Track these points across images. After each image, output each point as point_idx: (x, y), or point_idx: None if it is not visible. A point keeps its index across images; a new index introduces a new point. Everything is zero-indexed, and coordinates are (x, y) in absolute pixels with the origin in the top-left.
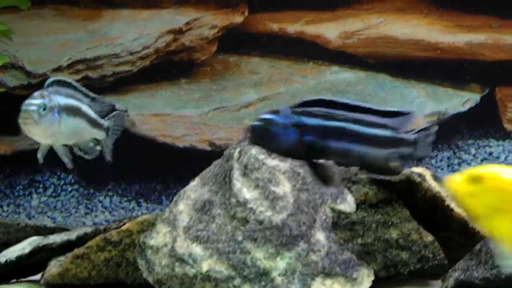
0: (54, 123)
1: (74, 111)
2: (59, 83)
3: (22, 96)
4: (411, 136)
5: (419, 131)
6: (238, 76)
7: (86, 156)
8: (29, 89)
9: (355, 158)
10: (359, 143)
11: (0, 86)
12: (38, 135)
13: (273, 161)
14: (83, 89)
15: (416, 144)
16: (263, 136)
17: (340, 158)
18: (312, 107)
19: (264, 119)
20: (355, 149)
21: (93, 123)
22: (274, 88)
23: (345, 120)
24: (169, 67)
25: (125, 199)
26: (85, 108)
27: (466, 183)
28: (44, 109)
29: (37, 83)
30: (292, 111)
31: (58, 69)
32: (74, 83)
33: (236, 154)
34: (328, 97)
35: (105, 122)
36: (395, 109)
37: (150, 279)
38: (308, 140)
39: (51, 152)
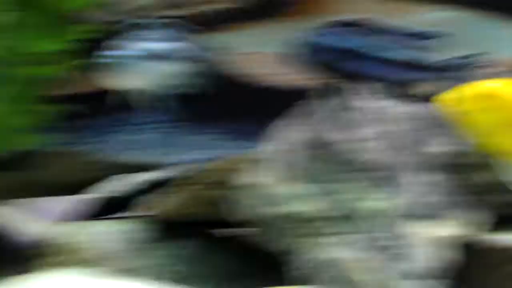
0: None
1: None
2: None
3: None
4: None
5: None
6: None
7: None
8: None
9: None
10: None
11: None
12: None
13: (359, 103)
14: None
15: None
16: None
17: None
18: None
19: None
20: None
21: None
22: None
23: None
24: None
25: (218, 137)
26: None
27: (475, 100)
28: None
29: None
30: None
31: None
32: None
33: (321, 95)
34: None
35: None
36: None
37: (241, 218)
38: None
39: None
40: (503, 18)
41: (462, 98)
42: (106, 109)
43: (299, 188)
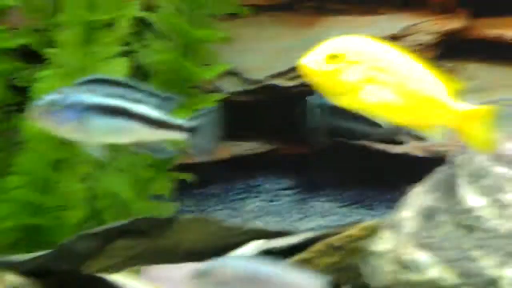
0: (70, 121)
1: (112, 111)
2: (95, 81)
3: (238, 102)
4: None
5: None
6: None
7: (155, 155)
8: (245, 95)
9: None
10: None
11: (217, 93)
12: (52, 130)
13: (500, 169)
14: (148, 88)
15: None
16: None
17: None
18: None
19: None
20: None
21: (155, 123)
22: (494, 94)
23: None
24: None
25: (339, 204)
26: (138, 108)
27: (326, 62)
28: (54, 105)
29: (253, 90)
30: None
31: (275, 76)
32: (131, 83)
33: (460, 161)
34: None
35: (181, 122)
36: None
37: (374, 285)
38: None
39: (265, 159)
40: None
41: (316, 63)
42: (234, 176)
43: (437, 254)
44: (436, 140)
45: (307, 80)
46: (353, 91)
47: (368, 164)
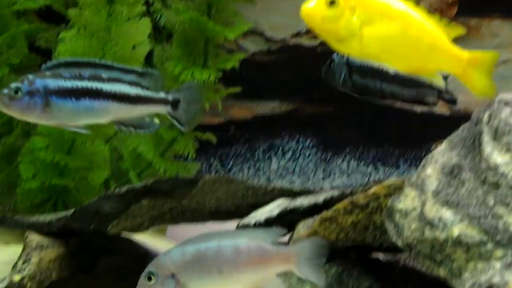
0: (35, 106)
1: (80, 93)
2: (65, 65)
3: (261, 62)
4: None
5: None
6: (478, 39)
7: (141, 131)
8: (268, 55)
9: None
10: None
11: (240, 52)
12: (21, 117)
13: None
14: (124, 66)
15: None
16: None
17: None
18: None
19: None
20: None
21: (133, 100)
22: None
23: None
24: None
25: (362, 163)
26: (111, 87)
27: (327, 7)
28: (17, 92)
29: (276, 49)
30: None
31: (297, 35)
32: (105, 62)
33: (485, 118)
34: None
35: (165, 95)
36: None
37: (399, 243)
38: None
39: (289, 118)
40: None
41: (319, 5)
42: (258, 136)
43: (463, 211)
44: (439, 86)
45: (309, 26)
46: (354, 37)
47: (392, 122)
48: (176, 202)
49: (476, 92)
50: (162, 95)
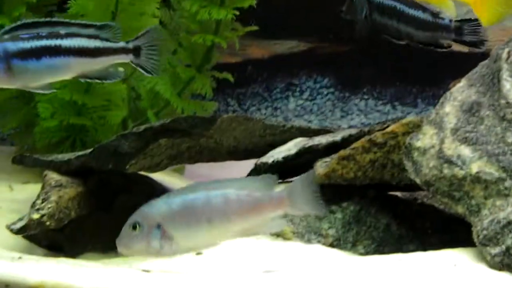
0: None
1: (41, 52)
2: (24, 26)
3: (279, 0)
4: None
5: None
6: None
7: (108, 81)
8: None
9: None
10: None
11: None
12: None
13: None
14: (81, 21)
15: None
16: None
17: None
18: None
19: None
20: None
21: (94, 52)
22: None
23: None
24: None
25: (380, 102)
26: (70, 43)
27: None
28: None
29: None
30: None
31: None
32: (60, 20)
33: (504, 55)
34: None
35: (125, 44)
36: None
37: (418, 180)
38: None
39: (307, 57)
40: None
41: None
42: (275, 75)
43: (482, 148)
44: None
45: None
46: None
47: (410, 61)
48: (194, 141)
49: (487, 18)
50: (122, 44)
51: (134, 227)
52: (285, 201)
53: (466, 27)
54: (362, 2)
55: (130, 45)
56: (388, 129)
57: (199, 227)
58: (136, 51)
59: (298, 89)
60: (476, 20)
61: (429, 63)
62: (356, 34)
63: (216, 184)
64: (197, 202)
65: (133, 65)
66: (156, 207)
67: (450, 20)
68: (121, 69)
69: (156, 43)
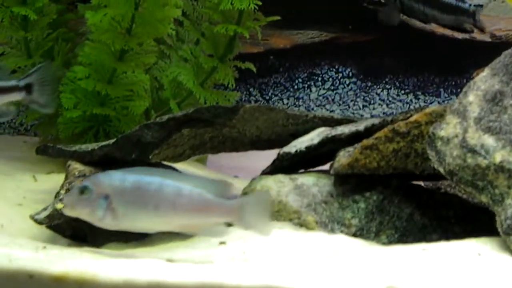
0: None
1: None
2: None
3: None
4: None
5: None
6: None
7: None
8: None
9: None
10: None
11: None
12: None
13: None
14: None
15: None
16: None
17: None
18: None
19: None
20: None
21: None
22: None
23: None
24: None
25: (402, 91)
26: None
27: None
28: None
29: None
30: None
31: None
32: None
33: None
34: None
35: (16, 82)
36: None
37: (441, 170)
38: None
39: (328, 47)
40: None
41: None
42: (297, 65)
43: (506, 138)
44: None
45: None
46: None
47: (432, 50)
48: (216, 131)
49: None
50: (13, 83)
51: (83, 191)
52: (235, 212)
53: (477, 12)
54: None
55: (22, 83)
56: (411, 119)
57: (145, 210)
58: (28, 89)
59: (320, 79)
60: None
61: (451, 52)
62: (383, 19)
63: (175, 175)
64: (150, 186)
65: (26, 102)
66: (110, 178)
67: (470, 4)
68: (12, 108)
69: (49, 79)
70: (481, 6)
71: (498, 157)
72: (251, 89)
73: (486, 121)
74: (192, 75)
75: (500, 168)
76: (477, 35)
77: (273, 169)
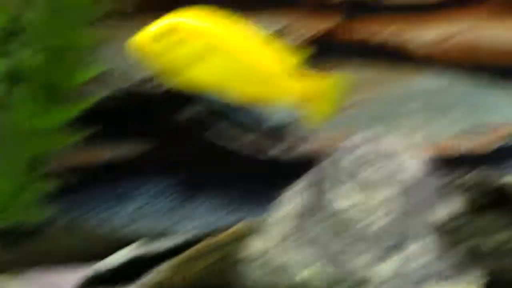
0: None
1: None
2: None
3: (112, 106)
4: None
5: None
6: None
7: None
8: (118, 99)
9: None
10: None
11: (91, 96)
12: None
13: (372, 167)
14: None
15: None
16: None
17: None
18: None
19: None
20: None
21: None
22: (364, 94)
23: None
24: None
25: (218, 206)
26: None
27: (158, 39)
28: None
29: (127, 92)
30: None
31: (148, 79)
32: None
33: (329, 162)
34: None
35: None
36: None
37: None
38: None
39: (143, 160)
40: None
41: (150, 37)
42: (112, 179)
43: (308, 256)
44: (276, 116)
45: (139, 59)
46: (189, 68)
47: (244, 165)
48: (26, 247)
49: (315, 120)
50: None
51: None
52: None
53: (277, 132)
54: (204, 101)
55: None
56: (222, 235)
57: None
58: None
59: (136, 193)
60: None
61: (262, 167)
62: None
63: None
64: None
65: None
66: None
67: (271, 124)
68: None
69: None
70: (283, 125)
71: (302, 275)
72: (64, 205)
73: (291, 239)
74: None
75: (305, 285)
76: (284, 154)
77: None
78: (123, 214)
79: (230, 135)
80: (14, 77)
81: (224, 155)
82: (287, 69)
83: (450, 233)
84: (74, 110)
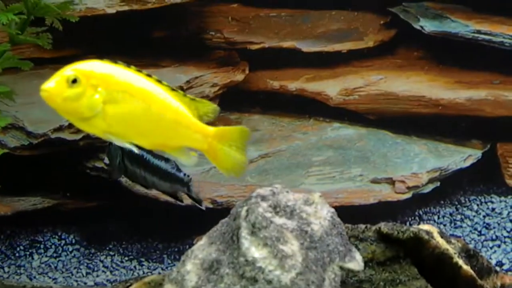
0: None
1: None
2: None
3: (22, 156)
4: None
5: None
6: None
7: None
8: (29, 150)
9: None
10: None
11: (0, 147)
12: None
13: (280, 219)
14: None
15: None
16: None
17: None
18: None
19: None
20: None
21: None
22: (275, 145)
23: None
24: None
25: (126, 258)
26: None
27: (67, 86)
28: None
29: (38, 144)
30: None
31: (59, 129)
32: None
33: (243, 213)
34: None
35: None
36: None
37: None
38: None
39: (51, 213)
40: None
41: (54, 89)
42: (19, 232)
43: None
44: (186, 163)
45: (50, 105)
46: (98, 115)
47: (156, 216)
48: None
49: (224, 169)
50: None
51: None
52: None
53: (191, 183)
54: (117, 149)
55: None
56: None
57: None
58: None
59: (42, 246)
60: None
61: (174, 218)
62: (111, 177)
63: None
64: None
65: None
66: None
67: (184, 174)
68: None
69: None
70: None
71: None
72: None
73: None
74: None
75: None
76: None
77: None
78: (30, 267)
79: (145, 181)
80: None
81: (137, 203)
82: (194, 119)
83: (352, 287)
84: None
